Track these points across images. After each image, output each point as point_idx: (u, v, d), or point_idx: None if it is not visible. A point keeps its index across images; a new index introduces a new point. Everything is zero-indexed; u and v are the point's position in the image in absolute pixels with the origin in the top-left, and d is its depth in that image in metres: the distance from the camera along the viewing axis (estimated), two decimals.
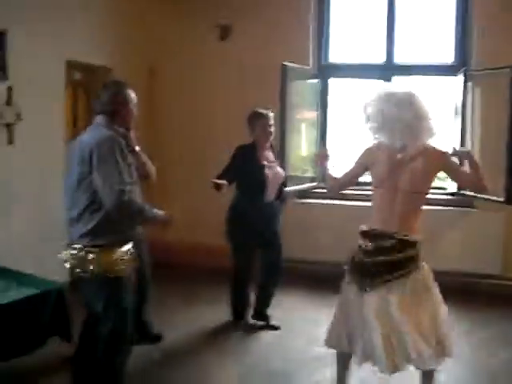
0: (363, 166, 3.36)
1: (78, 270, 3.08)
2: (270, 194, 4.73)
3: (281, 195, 4.88)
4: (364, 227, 3.27)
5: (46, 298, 3.54)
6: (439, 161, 3.22)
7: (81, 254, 3.05)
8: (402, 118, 3.09)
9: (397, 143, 3.15)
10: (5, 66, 4.55)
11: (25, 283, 3.62)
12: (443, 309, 3.29)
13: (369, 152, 3.33)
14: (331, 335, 3.38)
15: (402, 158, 3.17)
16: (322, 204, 6.14)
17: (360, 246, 3.24)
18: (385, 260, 3.13)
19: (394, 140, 3.14)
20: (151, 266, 4.39)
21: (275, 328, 4.86)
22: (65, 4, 5.13)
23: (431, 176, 3.25)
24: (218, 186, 4.41)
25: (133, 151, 3.52)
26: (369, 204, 3.40)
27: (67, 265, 3.13)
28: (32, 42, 4.79)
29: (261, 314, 4.94)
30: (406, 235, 3.16)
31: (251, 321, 4.93)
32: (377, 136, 3.24)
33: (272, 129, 4.73)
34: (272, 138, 4.79)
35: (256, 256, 4.86)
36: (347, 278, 3.30)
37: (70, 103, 5.64)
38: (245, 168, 4.66)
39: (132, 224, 3.27)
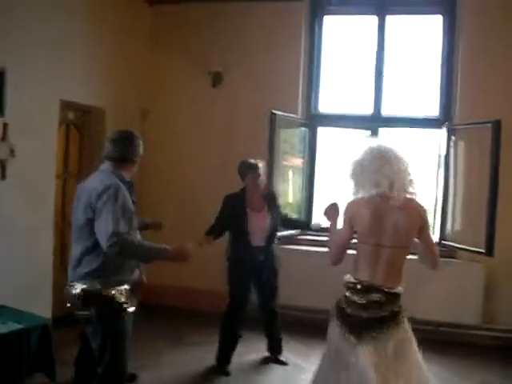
0: (350, 221, 3.26)
1: (79, 310, 3.19)
2: (257, 240, 4.82)
3: (272, 241, 4.96)
4: (351, 278, 3.24)
5: (31, 333, 3.54)
6: (420, 217, 3.19)
7: (82, 293, 3.17)
8: (382, 170, 3.10)
9: (373, 192, 3.14)
10: (2, 103, 4.62)
11: (11, 318, 3.61)
12: (423, 363, 3.27)
13: (350, 205, 3.29)
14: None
15: (384, 209, 3.15)
16: (306, 250, 6.18)
17: (349, 298, 3.20)
18: (378, 315, 3.13)
19: (371, 191, 3.14)
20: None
21: (284, 363, 5.08)
22: (62, 45, 5.24)
23: (413, 230, 3.19)
24: (207, 242, 4.72)
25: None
26: (351, 252, 3.32)
27: (69, 305, 3.23)
28: (28, 80, 4.88)
29: (272, 350, 5.16)
30: (391, 288, 3.17)
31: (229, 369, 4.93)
32: (356, 189, 3.24)
33: (262, 179, 4.87)
34: (262, 186, 4.92)
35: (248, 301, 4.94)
36: (338, 328, 3.23)
37: (63, 142, 5.71)
38: (231, 215, 4.83)
39: (134, 265, 3.36)
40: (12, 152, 4.72)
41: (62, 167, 5.66)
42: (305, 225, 5.21)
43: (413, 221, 3.17)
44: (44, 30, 5.04)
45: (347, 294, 3.23)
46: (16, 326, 3.50)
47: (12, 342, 3.41)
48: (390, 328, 3.14)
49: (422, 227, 3.20)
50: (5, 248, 4.73)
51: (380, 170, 3.11)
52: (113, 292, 3.19)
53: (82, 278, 3.20)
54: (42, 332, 3.60)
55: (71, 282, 3.25)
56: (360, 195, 3.24)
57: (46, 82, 5.10)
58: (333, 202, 3.43)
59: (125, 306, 3.24)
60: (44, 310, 4.52)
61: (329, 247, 3.38)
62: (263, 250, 4.86)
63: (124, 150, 3.40)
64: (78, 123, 5.93)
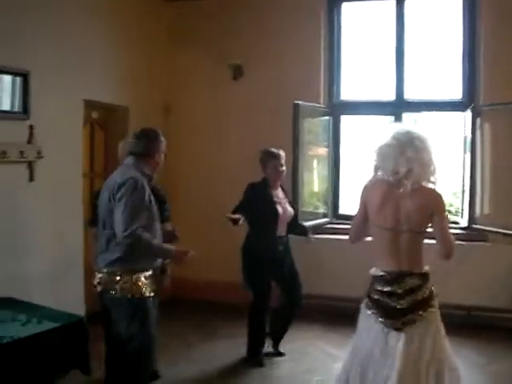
0: (364, 203, 3.28)
1: (106, 293, 3.45)
2: (281, 229, 4.84)
3: (291, 231, 4.96)
4: (378, 272, 3.23)
5: (67, 331, 3.59)
6: (431, 203, 3.16)
7: (109, 277, 3.43)
8: (402, 157, 3.09)
9: (389, 175, 3.15)
10: (27, 105, 4.69)
11: (45, 317, 3.67)
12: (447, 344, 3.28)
13: (365, 188, 3.30)
14: (340, 377, 3.35)
15: (396, 195, 3.13)
16: (334, 239, 6.18)
17: (382, 291, 3.19)
18: (414, 300, 3.13)
19: (388, 176, 3.15)
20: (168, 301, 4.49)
21: (281, 354, 5.04)
22: (83, 46, 5.30)
23: (424, 216, 3.14)
24: (234, 221, 4.55)
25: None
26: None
27: (98, 288, 3.50)
28: (52, 82, 4.95)
29: (276, 342, 5.10)
30: (420, 269, 3.18)
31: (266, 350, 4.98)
32: (375, 173, 3.24)
33: (283, 168, 4.87)
34: (283, 176, 4.93)
35: (272, 291, 4.92)
36: (372, 318, 3.23)
37: (88, 141, 5.78)
38: (256, 204, 4.77)
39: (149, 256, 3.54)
40: (39, 153, 4.78)
41: (88, 166, 5.73)
42: (306, 232, 5.15)
43: (423, 207, 3.14)
44: (65, 31, 5.10)
45: (378, 287, 3.21)
46: (52, 325, 3.55)
47: (48, 341, 3.46)
48: (425, 312, 3.14)
49: (434, 213, 3.14)
50: (36, 249, 4.81)
51: (398, 157, 3.10)
52: (133, 277, 3.42)
53: (106, 265, 3.45)
54: (78, 329, 3.66)
55: (98, 268, 3.51)
56: (374, 178, 3.25)
57: (69, 83, 5.16)
58: None
59: (143, 291, 3.46)
60: (77, 307, 4.58)
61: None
62: (284, 240, 4.88)
63: (145, 146, 3.59)
64: (102, 122, 5.98)
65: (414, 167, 3.09)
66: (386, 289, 3.18)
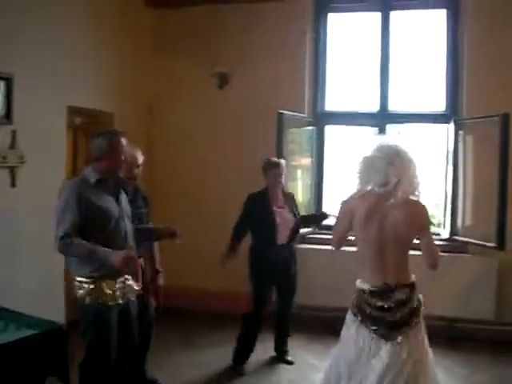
0: (347, 217, 3.30)
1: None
2: (282, 238, 4.90)
3: (294, 238, 5.06)
4: (364, 285, 3.23)
5: (46, 338, 3.54)
6: (420, 216, 3.22)
7: (73, 282, 3.47)
8: (389, 169, 3.12)
9: (378, 188, 3.16)
10: (10, 110, 4.65)
11: (24, 323, 3.61)
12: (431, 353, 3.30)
13: (347, 201, 3.33)
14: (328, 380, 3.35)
15: (383, 207, 3.15)
16: (318, 249, 6.18)
17: (371, 304, 3.20)
18: (405, 313, 3.16)
19: (375, 188, 3.17)
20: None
21: (290, 363, 5.11)
22: (67, 51, 5.27)
23: (413, 229, 3.19)
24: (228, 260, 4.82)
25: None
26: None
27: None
28: (35, 87, 4.91)
29: (279, 349, 5.20)
30: (407, 279, 3.21)
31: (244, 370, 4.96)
32: (362, 186, 3.26)
33: (282, 177, 4.95)
34: (282, 185, 5.01)
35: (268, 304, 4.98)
36: (360, 327, 3.24)
37: (71, 147, 5.74)
38: (256, 214, 4.89)
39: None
40: (21, 159, 4.75)
41: (70, 172, 5.68)
42: (322, 216, 5.22)
43: (412, 219, 3.18)
44: (49, 36, 5.08)
45: (367, 299, 3.22)
46: (30, 332, 3.49)
47: (26, 348, 3.41)
48: (415, 321, 3.18)
49: (422, 225, 3.20)
50: (16, 254, 4.76)
51: (387, 169, 3.13)
52: (90, 285, 3.41)
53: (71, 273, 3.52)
54: (57, 336, 3.60)
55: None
56: (361, 192, 3.27)
57: (52, 89, 5.13)
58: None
59: (105, 299, 3.43)
60: (57, 314, 4.53)
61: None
62: (286, 249, 4.96)
63: (95, 150, 3.55)
64: (86, 128, 5.95)
65: (403, 179, 3.12)
66: (376, 303, 3.19)
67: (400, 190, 3.12)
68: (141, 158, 4.32)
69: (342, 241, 3.41)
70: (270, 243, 4.85)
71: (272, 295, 5.04)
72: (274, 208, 4.90)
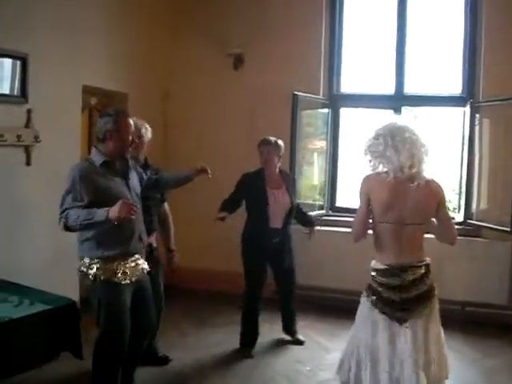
0: (366, 196, 3.24)
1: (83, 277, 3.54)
2: (275, 221, 4.78)
3: (289, 222, 4.92)
4: (379, 265, 3.23)
5: (59, 313, 3.60)
6: (437, 195, 3.22)
7: (82, 262, 3.51)
8: (406, 150, 3.10)
9: (396, 169, 3.13)
10: (25, 89, 4.68)
11: (38, 299, 3.68)
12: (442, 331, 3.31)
13: (367, 180, 3.27)
14: (344, 369, 3.34)
15: (403, 188, 3.14)
16: (330, 231, 6.19)
17: (385, 284, 3.19)
18: (418, 292, 3.16)
19: (393, 169, 3.13)
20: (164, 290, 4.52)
21: (300, 343, 5.08)
22: (82, 31, 5.28)
23: (432, 209, 3.20)
24: (221, 219, 4.63)
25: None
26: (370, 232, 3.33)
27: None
28: (50, 67, 4.93)
29: (288, 330, 5.15)
30: (421, 260, 3.20)
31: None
32: (376, 164, 3.22)
33: (273, 156, 4.83)
34: (274, 164, 4.87)
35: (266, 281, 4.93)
36: (374, 310, 3.22)
37: (86, 127, 5.76)
38: (249, 194, 4.80)
39: (124, 240, 3.50)
40: (36, 138, 4.77)
41: (85, 152, 5.69)
42: (311, 223, 5.11)
43: (431, 199, 3.20)
44: (65, 16, 5.08)
45: (381, 279, 3.21)
46: (44, 307, 3.56)
47: (40, 323, 3.47)
48: (428, 303, 3.18)
49: (440, 205, 3.21)
50: (31, 233, 4.82)
51: (404, 150, 3.10)
52: (101, 263, 3.44)
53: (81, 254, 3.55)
54: (70, 312, 3.67)
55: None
56: (378, 170, 3.22)
57: (68, 68, 5.14)
58: None
59: (115, 277, 3.46)
60: (71, 291, 4.57)
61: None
62: (280, 233, 4.82)
63: (99, 130, 3.52)
64: (101, 108, 5.96)
65: (416, 161, 3.12)
66: (389, 282, 3.18)
67: (415, 171, 3.12)
68: (147, 134, 4.30)
69: (365, 231, 3.29)
70: (262, 226, 4.74)
71: (266, 277, 4.93)
72: (268, 188, 4.79)
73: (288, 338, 5.15)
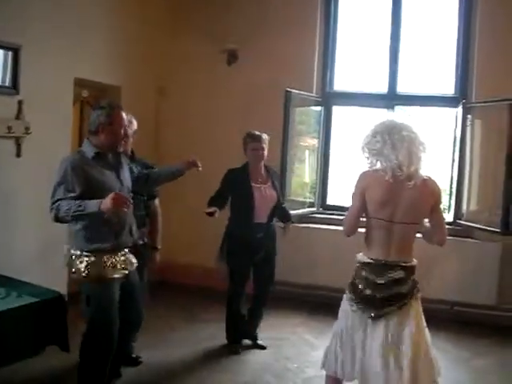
0: (362, 193, 3.22)
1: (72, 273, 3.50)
2: (260, 216, 4.73)
3: (272, 218, 4.86)
4: (364, 258, 3.24)
5: (46, 306, 3.59)
6: (433, 195, 3.22)
7: (70, 257, 3.48)
8: (405, 148, 3.09)
9: (394, 167, 3.11)
10: (17, 81, 4.65)
11: (25, 292, 3.66)
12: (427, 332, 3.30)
13: (363, 177, 3.25)
14: (329, 359, 3.34)
15: (399, 186, 3.12)
16: (320, 229, 6.20)
17: (366, 279, 3.20)
18: (398, 292, 3.16)
19: (391, 167, 3.12)
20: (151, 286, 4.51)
21: (262, 347, 4.93)
22: (75, 23, 5.25)
23: (427, 208, 3.20)
24: (209, 214, 4.54)
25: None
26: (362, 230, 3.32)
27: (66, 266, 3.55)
28: (43, 59, 4.91)
29: (249, 333, 5.01)
30: (407, 261, 3.20)
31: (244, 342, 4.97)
32: (373, 162, 3.21)
33: (263, 152, 4.74)
34: (264, 160, 4.81)
35: (248, 278, 4.88)
36: (352, 306, 3.24)
37: (77, 119, 5.74)
38: (234, 190, 4.75)
39: (112, 233, 3.47)
40: (27, 129, 4.75)
41: (76, 144, 5.67)
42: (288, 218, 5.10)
43: (428, 198, 3.19)
44: (59, 8, 5.06)
45: (363, 273, 3.22)
46: (31, 300, 3.54)
47: (26, 315, 3.46)
48: (406, 304, 3.16)
49: (436, 204, 3.22)
50: (20, 224, 4.79)
51: (403, 148, 3.10)
52: (90, 258, 3.41)
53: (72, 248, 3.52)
54: (57, 305, 3.65)
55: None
56: (375, 167, 3.21)
57: (60, 60, 5.12)
58: None
59: (104, 273, 3.44)
60: (59, 285, 4.55)
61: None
62: (263, 228, 4.75)
63: (92, 122, 3.51)
64: (93, 101, 5.94)
65: (414, 159, 3.11)
66: (370, 277, 3.19)
67: (413, 170, 3.11)
68: (133, 126, 4.25)
69: (356, 226, 3.28)
70: (245, 221, 4.67)
71: (249, 273, 4.85)
72: (253, 184, 4.71)
73: (248, 342, 5.00)
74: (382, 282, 3.16)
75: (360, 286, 3.22)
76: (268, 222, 4.79)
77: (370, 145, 3.20)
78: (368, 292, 3.19)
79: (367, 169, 3.25)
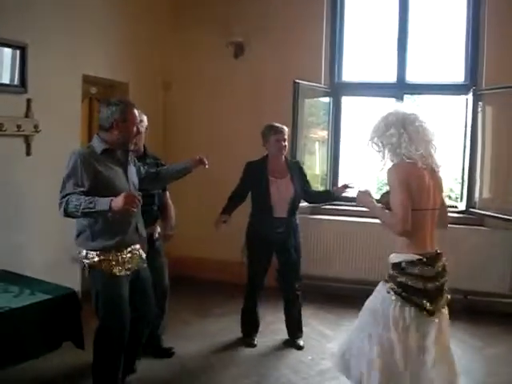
0: (407, 183, 3.03)
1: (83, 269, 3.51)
2: (279, 210, 4.66)
3: (294, 212, 4.77)
4: (411, 256, 3.05)
5: (59, 303, 3.60)
6: (442, 181, 3.25)
7: (80, 253, 3.47)
8: (421, 134, 3.10)
9: (420, 157, 3.08)
10: (25, 79, 4.65)
11: (38, 289, 3.68)
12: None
13: (402, 167, 3.10)
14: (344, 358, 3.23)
15: (427, 175, 3.10)
16: (331, 220, 6.18)
17: (417, 276, 3.03)
18: (444, 281, 3.12)
19: (415, 155, 3.07)
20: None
21: (299, 348, 4.81)
22: (82, 20, 5.26)
23: (441, 195, 3.23)
24: (224, 221, 4.64)
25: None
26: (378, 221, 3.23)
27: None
28: (50, 56, 4.91)
29: (291, 334, 4.93)
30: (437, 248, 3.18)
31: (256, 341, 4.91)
32: (387, 154, 3.16)
33: (285, 143, 4.70)
34: (285, 152, 4.79)
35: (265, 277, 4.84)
36: (402, 305, 3.06)
37: (86, 116, 5.74)
38: (253, 184, 4.72)
39: (119, 230, 3.46)
40: (36, 127, 4.76)
41: (86, 141, 5.68)
42: (331, 197, 5.08)
43: (440, 186, 3.22)
44: (65, 5, 5.06)
45: (411, 270, 3.05)
46: (44, 297, 3.56)
47: (40, 312, 3.48)
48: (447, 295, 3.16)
49: (442, 190, 3.27)
50: (30, 222, 4.81)
51: (418, 139, 3.08)
52: (99, 255, 3.41)
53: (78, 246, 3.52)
54: (71, 301, 3.67)
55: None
56: (392, 160, 3.15)
57: (68, 58, 5.12)
58: (363, 189, 3.35)
59: (113, 270, 3.44)
60: (72, 282, 4.57)
61: (386, 225, 3.11)
62: (284, 222, 4.68)
63: (101, 118, 3.51)
64: (101, 97, 5.94)
65: (433, 147, 3.14)
66: (423, 273, 3.04)
67: (430, 160, 3.12)
68: (144, 123, 4.25)
69: (409, 219, 3.02)
70: (265, 215, 4.63)
71: (268, 268, 4.79)
72: (271, 178, 4.67)
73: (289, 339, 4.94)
74: (436, 273, 3.08)
75: (410, 282, 3.05)
76: (289, 216, 4.71)
77: (384, 138, 3.15)
78: (421, 285, 3.03)
79: (402, 162, 3.12)
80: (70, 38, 5.12)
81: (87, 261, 3.44)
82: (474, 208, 5.91)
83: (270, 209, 4.64)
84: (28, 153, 4.77)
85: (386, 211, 3.11)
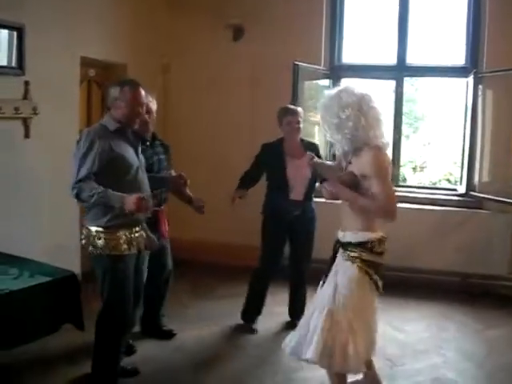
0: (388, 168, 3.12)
1: (86, 249, 3.48)
2: (296, 193, 4.62)
3: (311, 195, 4.71)
4: (376, 234, 3.14)
5: (59, 285, 3.60)
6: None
7: (86, 233, 3.45)
8: (382, 116, 3.10)
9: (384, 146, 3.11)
10: (22, 61, 4.61)
11: (38, 271, 3.67)
12: None
13: (382, 153, 3.10)
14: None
15: None
16: (329, 203, 6.14)
17: (381, 253, 3.14)
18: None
19: (382, 137, 3.08)
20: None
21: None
22: (80, 2, 5.21)
23: None
24: (239, 198, 4.59)
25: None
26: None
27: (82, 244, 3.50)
28: (48, 38, 4.87)
29: (292, 315, 4.92)
30: None
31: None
32: (337, 135, 3.11)
33: (299, 125, 4.63)
34: (300, 134, 4.70)
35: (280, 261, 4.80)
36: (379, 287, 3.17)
37: (85, 98, 5.71)
38: (268, 165, 4.67)
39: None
40: (34, 110, 4.73)
41: (84, 124, 5.66)
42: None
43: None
44: None
45: (381, 249, 3.13)
46: (44, 279, 3.55)
47: (39, 294, 3.47)
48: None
49: None
50: (31, 205, 4.80)
51: (375, 120, 3.06)
52: (107, 234, 3.39)
53: (85, 221, 3.50)
54: (70, 283, 3.67)
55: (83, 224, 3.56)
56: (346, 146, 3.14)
57: (65, 39, 5.09)
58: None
59: (120, 248, 3.42)
60: (72, 264, 4.58)
61: (375, 212, 3.07)
62: (300, 205, 4.63)
63: (108, 98, 3.53)
64: (100, 80, 5.91)
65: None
66: (384, 250, 3.15)
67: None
68: (154, 106, 4.21)
69: None
70: (281, 198, 4.58)
71: (282, 256, 4.77)
72: (288, 159, 4.61)
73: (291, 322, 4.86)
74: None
75: (378, 261, 3.14)
76: (304, 200, 4.66)
77: (340, 121, 3.05)
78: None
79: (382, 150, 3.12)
80: (67, 19, 5.08)
81: (96, 239, 3.40)
82: (473, 191, 5.90)
83: (286, 188, 4.58)
84: (27, 135, 4.75)
85: (370, 200, 3.02)
